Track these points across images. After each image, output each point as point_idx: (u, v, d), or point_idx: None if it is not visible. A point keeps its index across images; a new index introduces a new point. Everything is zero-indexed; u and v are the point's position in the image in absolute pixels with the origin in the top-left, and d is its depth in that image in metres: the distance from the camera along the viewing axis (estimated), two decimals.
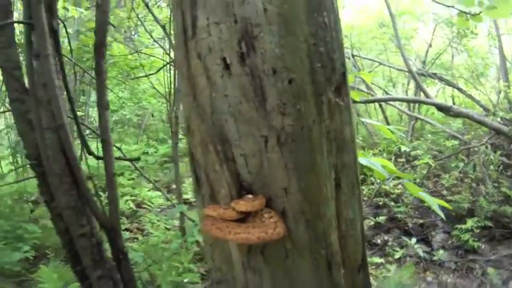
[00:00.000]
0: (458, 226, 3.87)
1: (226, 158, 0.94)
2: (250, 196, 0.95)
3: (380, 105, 6.50)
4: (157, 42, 4.52)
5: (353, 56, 6.38)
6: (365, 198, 4.60)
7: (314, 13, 0.96)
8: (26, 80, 1.64)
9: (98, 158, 1.71)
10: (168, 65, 3.31)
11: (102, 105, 1.65)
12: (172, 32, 3.07)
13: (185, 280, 2.38)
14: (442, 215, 1.39)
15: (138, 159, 2.74)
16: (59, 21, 1.74)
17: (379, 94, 6.25)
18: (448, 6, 3.00)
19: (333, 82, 0.99)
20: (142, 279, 2.24)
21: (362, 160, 1.38)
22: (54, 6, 1.72)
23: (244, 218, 0.92)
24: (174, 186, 4.88)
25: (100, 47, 1.68)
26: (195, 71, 0.94)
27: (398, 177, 4.94)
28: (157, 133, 7.34)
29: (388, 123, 6.43)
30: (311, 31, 0.95)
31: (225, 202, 0.98)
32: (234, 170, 0.96)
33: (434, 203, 1.36)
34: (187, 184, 4.87)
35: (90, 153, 1.64)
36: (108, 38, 2.09)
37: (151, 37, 4.31)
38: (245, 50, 0.89)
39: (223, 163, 0.96)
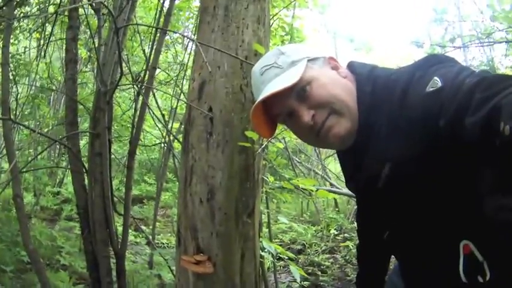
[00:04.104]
0: None
1: (195, 237, 2.38)
2: (201, 254, 2.40)
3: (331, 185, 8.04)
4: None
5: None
6: (300, 266, 6.05)
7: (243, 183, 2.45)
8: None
9: (120, 214, 3.16)
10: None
11: (128, 186, 3.14)
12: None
13: None
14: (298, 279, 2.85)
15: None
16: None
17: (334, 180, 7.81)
18: None
19: (246, 213, 2.47)
20: None
21: (264, 244, 2.87)
22: (110, 122, 3.21)
23: (198, 262, 2.37)
24: (143, 226, 6.33)
25: (132, 154, 3.17)
26: (188, 198, 2.42)
27: (330, 252, 6.48)
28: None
29: (336, 205, 8.03)
30: (241, 192, 2.43)
31: (191, 254, 2.43)
32: (196, 242, 2.39)
33: (296, 272, 2.82)
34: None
35: (117, 211, 3.10)
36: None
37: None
38: (210, 197, 2.36)
39: (192, 238, 2.40)
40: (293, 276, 4.98)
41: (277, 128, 1.43)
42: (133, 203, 5.69)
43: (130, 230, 5.85)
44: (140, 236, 6.03)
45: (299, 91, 1.23)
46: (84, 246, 3.08)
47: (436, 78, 1.06)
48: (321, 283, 5.64)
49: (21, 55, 5.91)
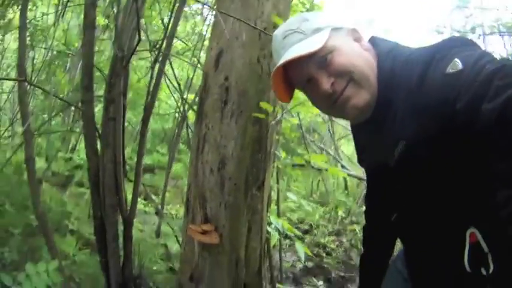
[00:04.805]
0: None
1: (203, 206, 2.40)
2: (209, 224, 2.44)
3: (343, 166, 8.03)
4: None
5: None
6: (306, 246, 6.08)
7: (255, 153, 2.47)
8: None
9: (130, 181, 3.21)
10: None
11: (140, 153, 3.18)
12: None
13: (154, 268, 3.91)
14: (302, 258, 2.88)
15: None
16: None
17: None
18: None
19: (256, 185, 2.50)
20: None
21: (272, 219, 2.90)
22: (126, 88, 3.23)
23: (205, 232, 2.40)
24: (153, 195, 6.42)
25: (145, 121, 3.21)
26: (199, 167, 2.44)
27: (337, 234, 6.52)
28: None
29: (346, 188, 8.04)
30: (252, 163, 2.45)
31: (198, 223, 2.47)
32: (204, 211, 2.41)
33: (302, 250, 2.85)
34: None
35: (128, 178, 3.14)
36: None
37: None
38: (220, 167, 2.38)
39: (200, 207, 2.43)
40: (298, 256, 5.05)
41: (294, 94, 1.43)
42: (144, 172, 5.74)
43: (139, 199, 5.93)
44: (149, 205, 6.11)
45: (320, 58, 1.23)
46: (93, 211, 3.12)
47: (456, 60, 1.06)
48: (325, 265, 5.67)
49: (38, 21, 5.93)
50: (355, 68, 1.22)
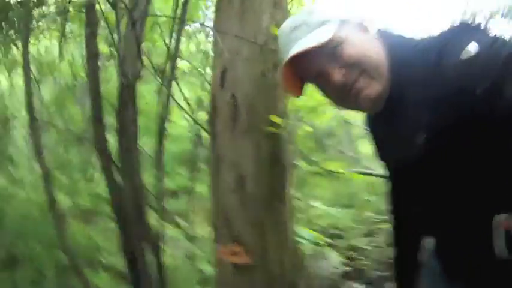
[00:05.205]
0: None
1: (228, 226, 2.31)
2: (237, 243, 2.38)
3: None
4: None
5: None
6: (339, 251, 6.02)
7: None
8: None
9: (154, 209, 3.23)
10: None
11: (159, 178, 3.19)
12: None
13: None
14: None
15: None
16: None
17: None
18: None
19: (278, 199, 2.46)
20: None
21: (299, 230, 2.87)
22: (135, 115, 3.24)
23: (235, 253, 2.32)
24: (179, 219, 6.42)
25: (160, 145, 3.22)
26: (219, 187, 2.43)
27: (369, 235, 6.43)
28: None
29: (372, 187, 7.96)
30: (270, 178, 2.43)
31: (226, 245, 2.40)
32: (231, 231, 2.31)
33: (334, 258, 2.82)
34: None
35: (150, 206, 3.16)
36: None
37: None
38: (239, 185, 2.36)
39: (226, 228, 2.36)
40: (333, 263, 5.00)
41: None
42: (167, 196, 5.72)
43: (167, 224, 5.95)
44: (176, 229, 6.11)
45: (329, 50, 1.20)
46: (121, 243, 3.15)
47: (470, 46, 1.03)
48: (363, 267, 5.59)
49: (42, 55, 6.01)
50: (366, 59, 1.20)
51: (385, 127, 1.31)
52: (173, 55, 3.20)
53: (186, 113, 4.03)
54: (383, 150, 1.47)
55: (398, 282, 1.69)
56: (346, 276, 5.24)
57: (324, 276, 4.97)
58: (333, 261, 4.94)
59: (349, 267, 5.35)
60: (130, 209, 3.01)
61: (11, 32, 4.57)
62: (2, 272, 3.71)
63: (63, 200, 6.21)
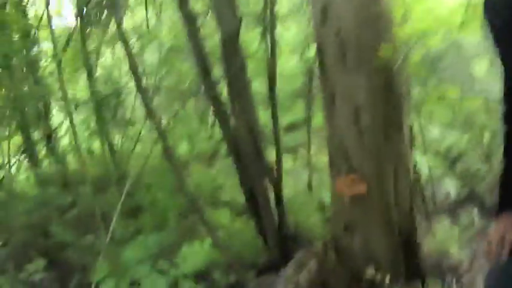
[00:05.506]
0: None
1: (345, 158, 2.32)
2: (354, 174, 2.35)
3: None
4: None
5: None
6: (456, 176, 5.86)
7: None
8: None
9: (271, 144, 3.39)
10: None
11: (274, 115, 3.35)
12: None
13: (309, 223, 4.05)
14: None
15: None
16: None
17: None
18: None
19: (395, 128, 2.40)
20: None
21: (417, 157, 2.86)
22: (242, 63, 3.31)
23: (351, 183, 2.30)
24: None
25: (272, 83, 3.33)
26: (334, 120, 2.50)
27: (486, 158, 6.15)
28: None
29: (488, 108, 7.54)
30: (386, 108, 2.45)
31: (343, 176, 2.40)
32: (348, 163, 2.33)
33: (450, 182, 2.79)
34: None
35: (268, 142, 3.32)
36: None
37: None
38: (356, 118, 2.40)
39: (343, 160, 2.34)
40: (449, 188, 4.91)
41: None
42: (285, 131, 5.74)
43: (286, 156, 5.99)
44: (296, 161, 6.16)
45: None
46: (240, 181, 3.35)
47: None
48: (478, 193, 5.40)
49: (140, 26, 6.20)
50: None
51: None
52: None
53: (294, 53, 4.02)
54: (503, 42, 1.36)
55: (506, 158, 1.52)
56: (462, 201, 5.11)
57: (439, 200, 4.90)
58: (449, 185, 4.84)
59: (464, 192, 5.23)
60: (246, 148, 3.16)
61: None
62: (128, 219, 3.91)
63: (183, 149, 6.54)
